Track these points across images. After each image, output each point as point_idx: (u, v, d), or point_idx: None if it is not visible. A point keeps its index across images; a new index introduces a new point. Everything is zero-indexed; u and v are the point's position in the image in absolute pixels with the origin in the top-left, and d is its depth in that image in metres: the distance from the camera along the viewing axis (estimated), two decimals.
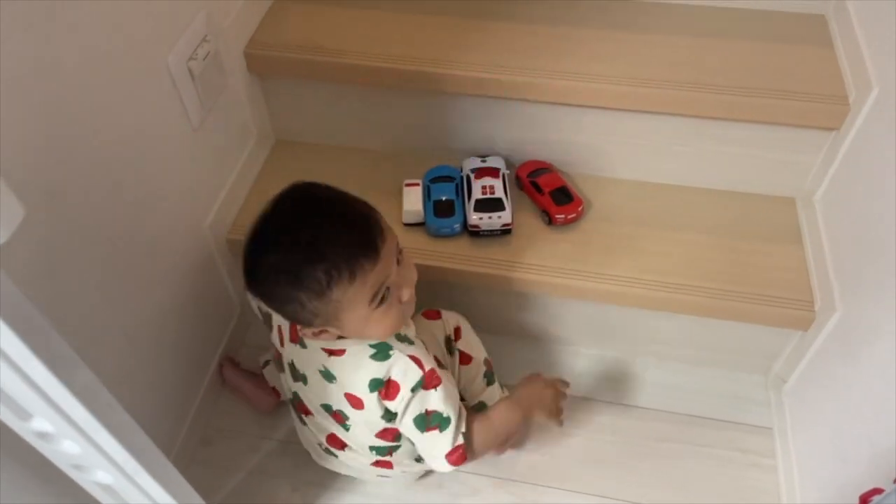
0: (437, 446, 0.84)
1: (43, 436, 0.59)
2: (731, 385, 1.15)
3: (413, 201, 1.08)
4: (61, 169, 0.70)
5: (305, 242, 0.74)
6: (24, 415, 0.57)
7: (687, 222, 1.09)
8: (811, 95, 0.98)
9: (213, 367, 1.09)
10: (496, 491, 1.03)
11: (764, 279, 1.01)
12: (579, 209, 1.08)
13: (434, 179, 1.11)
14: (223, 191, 1.05)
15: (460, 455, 0.84)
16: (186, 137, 0.93)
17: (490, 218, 1.05)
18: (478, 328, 1.19)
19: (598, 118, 1.07)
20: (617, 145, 1.11)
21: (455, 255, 1.05)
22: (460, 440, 0.84)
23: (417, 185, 1.10)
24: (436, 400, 0.82)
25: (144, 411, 0.64)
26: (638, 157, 1.12)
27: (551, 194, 1.09)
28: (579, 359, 1.18)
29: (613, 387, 1.14)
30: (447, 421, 0.83)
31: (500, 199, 1.07)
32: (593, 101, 1.04)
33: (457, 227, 1.06)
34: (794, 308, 0.98)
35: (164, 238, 0.91)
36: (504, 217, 1.05)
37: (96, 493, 0.71)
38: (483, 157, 1.14)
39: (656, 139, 1.09)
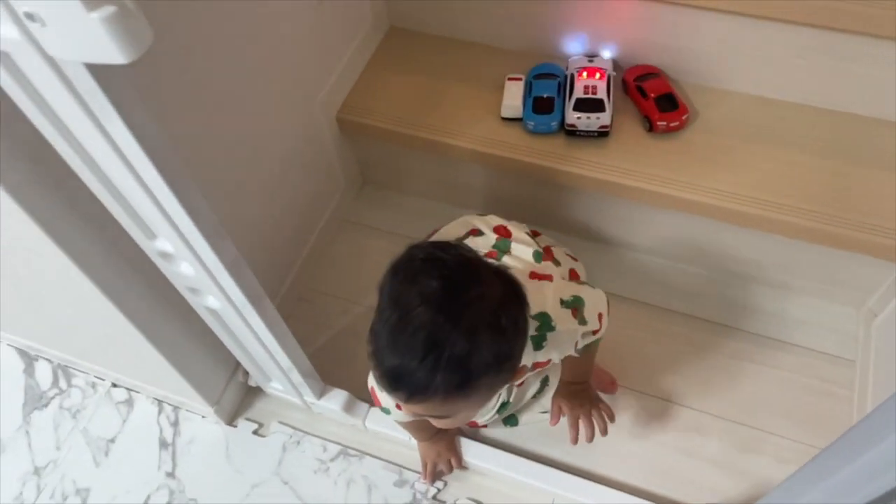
0: None
1: (165, 256, 0.70)
2: (819, 314, 1.12)
3: (513, 96, 1.09)
4: (187, 21, 0.77)
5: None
6: (150, 234, 0.67)
7: (795, 141, 1.04)
8: None
9: (315, 236, 1.19)
10: None
11: (869, 207, 0.97)
12: (683, 118, 1.06)
13: (538, 76, 1.12)
14: (336, 70, 1.11)
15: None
16: (308, 11, 0.98)
17: (588, 118, 1.05)
18: (564, 230, 1.22)
19: (717, 23, 1.02)
20: (733, 55, 1.06)
21: (549, 153, 1.07)
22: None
23: (520, 79, 1.11)
24: None
25: (252, 260, 0.72)
26: (754, 68, 1.07)
27: (656, 100, 1.07)
28: (662, 270, 1.18)
29: (694, 301, 1.15)
30: None
31: (601, 100, 1.06)
32: (713, 4, 0.99)
33: (554, 124, 1.07)
34: None
35: (279, 104, 0.98)
36: (603, 119, 1.05)
37: (206, 318, 0.83)
38: (591, 56, 1.13)
39: (776, 50, 1.03)
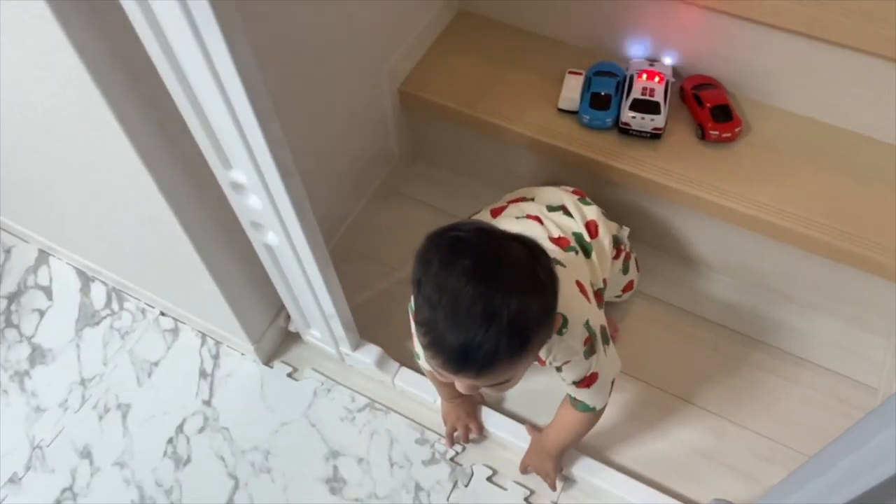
0: None
1: (237, 187, 0.75)
2: (848, 339, 1.13)
3: (572, 88, 1.13)
4: None
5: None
6: (227, 164, 0.72)
7: (845, 167, 1.06)
8: None
9: (365, 201, 1.24)
10: None
11: None
12: (736, 130, 1.08)
13: (598, 73, 1.15)
14: (404, 45, 1.16)
15: None
16: None
17: (643, 119, 1.09)
18: None
19: (782, 42, 1.04)
20: (794, 74, 1.08)
21: (601, 148, 1.10)
22: None
23: (580, 74, 1.15)
24: None
25: None
26: (812, 91, 1.09)
27: (711, 110, 1.10)
28: (698, 277, 1.21)
29: (726, 311, 1.17)
30: None
31: (657, 103, 1.09)
32: (780, 21, 1.01)
33: (608, 121, 1.11)
34: None
35: (347, 67, 1.04)
36: (657, 121, 1.08)
37: (262, 256, 0.88)
38: (652, 61, 1.16)
39: (837, 76, 1.05)
